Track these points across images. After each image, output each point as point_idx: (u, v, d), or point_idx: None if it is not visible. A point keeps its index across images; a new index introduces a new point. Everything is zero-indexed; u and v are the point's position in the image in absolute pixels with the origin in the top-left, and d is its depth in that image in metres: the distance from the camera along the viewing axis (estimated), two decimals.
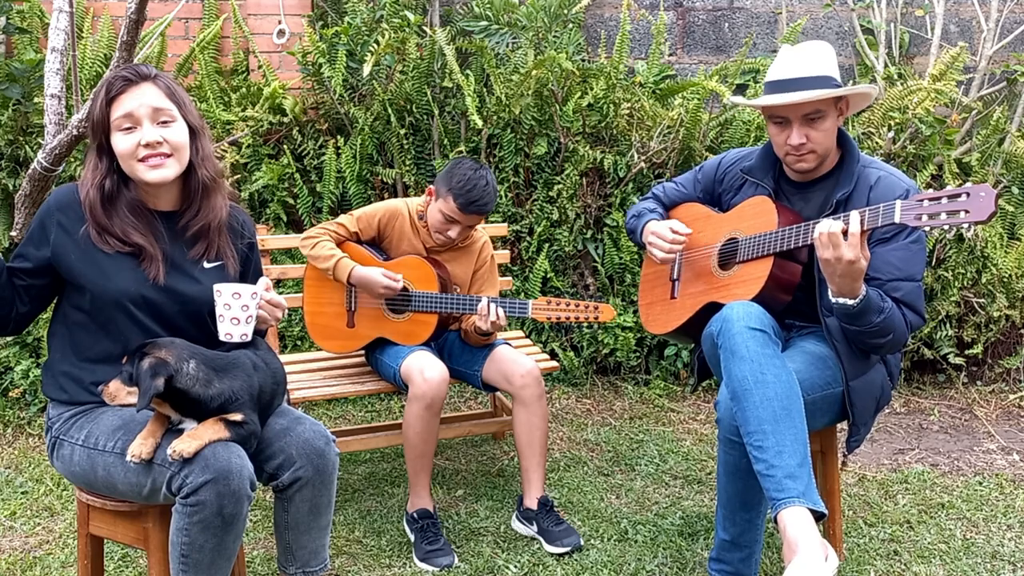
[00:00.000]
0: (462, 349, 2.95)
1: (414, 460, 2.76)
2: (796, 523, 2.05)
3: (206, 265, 2.11)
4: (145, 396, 1.84)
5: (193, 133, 2.07)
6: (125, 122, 1.99)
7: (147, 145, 1.99)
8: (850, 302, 2.19)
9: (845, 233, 2.12)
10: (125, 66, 2.08)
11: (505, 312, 2.77)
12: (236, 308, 1.98)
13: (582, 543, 2.72)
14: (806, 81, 2.34)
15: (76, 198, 2.04)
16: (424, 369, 2.71)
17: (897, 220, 2.09)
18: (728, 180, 2.65)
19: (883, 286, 2.26)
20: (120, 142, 2.00)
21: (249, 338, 2.02)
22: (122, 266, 2.02)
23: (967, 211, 2.00)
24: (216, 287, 1.99)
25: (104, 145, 2.02)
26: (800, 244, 2.33)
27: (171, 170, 2.03)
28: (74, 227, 2.02)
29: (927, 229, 2.09)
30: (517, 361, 2.84)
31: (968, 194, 2.01)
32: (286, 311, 2.13)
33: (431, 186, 2.90)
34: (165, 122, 2.02)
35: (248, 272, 2.21)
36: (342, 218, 2.95)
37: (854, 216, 2.12)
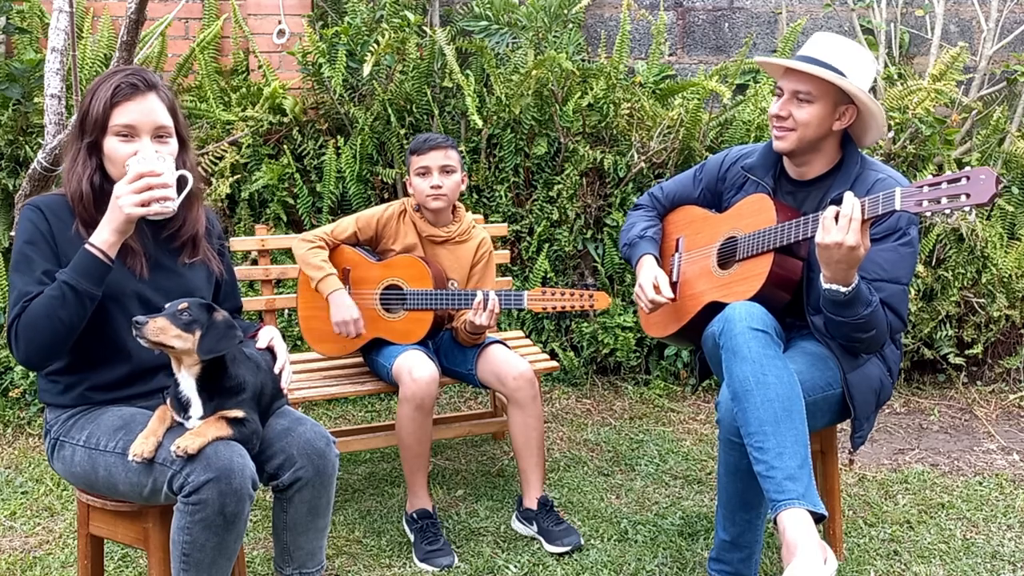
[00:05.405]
0: (456, 349, 2.94)
1: (409, 460, 2.75)
2: (795, 525, 2.05)
3: (187, 260, 2.14)
4: (230, 339, 1.93)
5: (182, 146, 2.10)
6: (124, 130, 2.00)
7: None
8: (842, 289, 2.16)
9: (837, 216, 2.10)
10: (130, 68, 2.07)
11: (501, 303, 2.76)
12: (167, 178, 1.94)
13: (582, 542, 2.72)
14: (819, 63, 2.34)
15: (56, 201, 2.04)
16: (413, 369, 2.70)
17: (898, 207, 2.06)
18: (731, 177, 2.64)
19: (867, 285, 2.24)
20: (115, 148, 2.00)
21: (172, 211, 1.98)
22: None
23: (968, 194, 1.98)
24: (127, 162, 1.94)
25: (96, 143, 2.02)
26: (800, 238, 2.30)
27: None
28: (64, 232, 2.01)
29: (928, 214, 2.07)
30: (509, 363, 2.82)
31: (968, 177, 1.99)
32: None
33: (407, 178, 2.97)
34: (162, 137, 2.04)
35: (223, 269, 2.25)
36: (343, 221, 2.95)
37: (848, 199, 2.10)
